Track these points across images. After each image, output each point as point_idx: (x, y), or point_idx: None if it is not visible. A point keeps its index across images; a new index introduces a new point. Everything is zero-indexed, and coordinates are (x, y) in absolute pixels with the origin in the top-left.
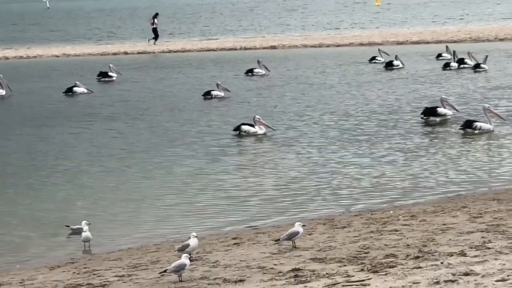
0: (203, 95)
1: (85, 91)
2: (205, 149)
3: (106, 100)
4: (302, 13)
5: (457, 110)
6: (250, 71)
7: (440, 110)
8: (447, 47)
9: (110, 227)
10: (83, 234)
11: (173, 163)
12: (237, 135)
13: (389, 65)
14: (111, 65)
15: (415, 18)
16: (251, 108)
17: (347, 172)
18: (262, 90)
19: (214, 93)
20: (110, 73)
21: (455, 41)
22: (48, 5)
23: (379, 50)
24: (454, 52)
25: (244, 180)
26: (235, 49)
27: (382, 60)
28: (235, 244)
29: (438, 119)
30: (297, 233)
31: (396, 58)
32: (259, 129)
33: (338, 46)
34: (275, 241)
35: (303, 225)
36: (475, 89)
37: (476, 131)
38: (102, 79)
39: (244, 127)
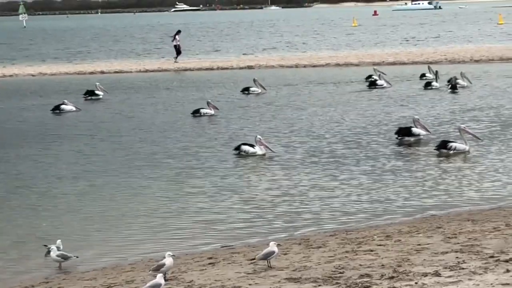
0: (192, 113)
1: (73, 109)
2: (184, 169)
3: (94, 118)
4: (279, 35)
5: (428, 131)
6: (246, 90)
7: (414, 130)
8: (429, 67)
9: (84, 246)
10: (60, 252)
11: (150, 182)
12: (237, 154)
13: (372, 84)
14: (97, 83)
15: (389, 39)
16: (231, 126)
17: (322, 192)
18: (252, 108)
19: (203, 111)
20: (96, 92)
21: (430, 62)
22: (25, 24)
23: (374, 69)
24: (436, 72)
25: (220, 200)
26: (212, 69)
27: (382, 82)
28: (210, 263)
29: (412, 139)
30: (272, 252)
31: (380, 77)
32: (258, 150)
33: (314, 66)
34: (251, 260)
35: (278, 245)
36: (452, 109)
37: (451, 152)
38: (89, 97)
39: (244, 147)
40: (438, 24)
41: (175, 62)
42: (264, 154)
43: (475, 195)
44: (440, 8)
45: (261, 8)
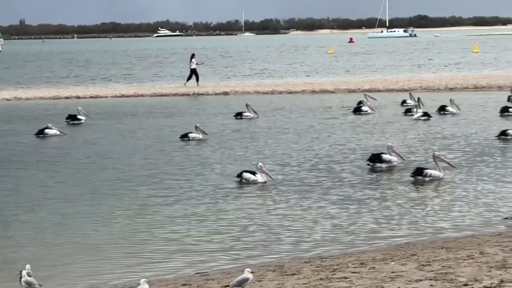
0: (180, 137)
1: (58, 133)
2: (157, 194)
3: (75, 143)
4: (255, 61)
5: (403, 159)
6: (239, 114)
7: (385, 156)
8: (410, 94)
9: (55, 273)
10: (26, 279)
11: (122, 207)
12: (239, 182)
13: (357, 111)
14: (79, 107)
15: (365, 67)
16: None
17: (297, 219)
18: (241, 133)
19: (191, 135)
20: (79, 116)
21: (405, 90)
22: (0, 49)
23: (365, 95)
24: (418, 99)
25: (193, 226)
26: (188, 94)
27: (367, 108)
28: None
29: (383, 165)
30: (246, 279)
31: (363, 103)
32: (259, 178)
33: (290, 93)
34: (225, 287)
35: (253, 272)
36: (427, 136)
37: (427, 179)
38: (71, 122)
39: (245, 175)
40: (414, 52)
41: (185, 84)
42: (265, 182)
43: (449, 223)
44: (415, 36)
45: (236, 34)
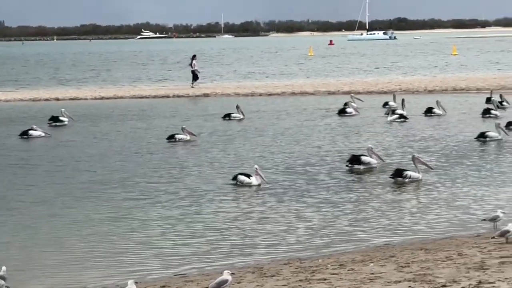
0: (167, 139)
1: (42, 134)
2: (134, 195)
3: (52, 145)
4: (234, 63)
5: (382, 160)
6: (227, 116)
7: (364, 158)
8: (394, 95)
9: (29, 276)
10: None
11: (99, 208)
12: (234, 184)
13: (342, 112)
14: (63, 109)
15: (345, 69)
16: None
17: (276, 221)
18: (228, 135)
19: (178, 136)
20: (61, 118)
21: (385, 92)
22: None
23: (351, 96)
24: (402, 100)
25: (172, 227)
26: (168, 96)
27: (351, 110)
28: None
29: (362, 167)
30: (225, 281)
31: (348, 104)
32: (254, 180)
33: (270, 95)
34: None
35: (232, 273)
36: (406, 138)
37: (406, 180)
38: (53, 123)
39: (240, 177)
40: (393, 54)
41: (192, 87)
42: (259, 185)
43: (428, 225)
44: (395, 38)
45: (215, 36)
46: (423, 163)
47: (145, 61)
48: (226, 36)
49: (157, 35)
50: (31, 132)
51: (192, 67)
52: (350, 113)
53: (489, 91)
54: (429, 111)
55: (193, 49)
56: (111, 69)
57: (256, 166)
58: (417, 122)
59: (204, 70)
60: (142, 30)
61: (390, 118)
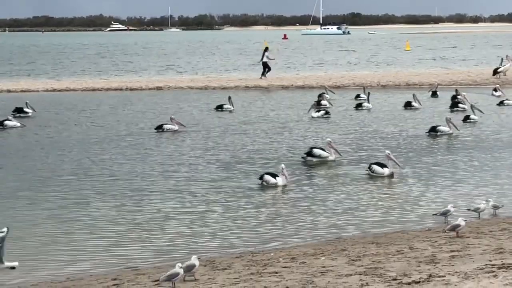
0: (155, 129)
1: (18, 124)
2: (88, 187)
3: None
4: (187, 56)
5: (340, 155)
6: (220, 107)
7: (315, 151)
8: (364, 88)
9: None
10: None
11: (51, 197)
12: (260, 184)
13: (317, 104)
14: (27, 101)
15: (299, 63)
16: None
17: (228, 213)
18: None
19: (166, 126)
20: (25, 109)
21: (338, 87)
22: None
23: (325, 87)
24: (368, 93)
25: (123, 219)
26: (121, 89)
27: (325, 102)
28: (114, 285)
29: (314, 159)
30: (177, 274)
31: (321, 96)
32: (280, 181)
33: (223, 88)
34: (155, 282)
35: (182, 267)
36: (370, 131)
37: (375, 174)
38: (17, 114)
39: (266, 177)
40: (347, 49)
41: (263, 78)
42: (285, 185)
43: (379, 218)
44: (348, 33)
45: (161, 29)
46: (394, 161)
47: (95, 54)
48: (173, 29)
49: (125, 28)
50: (6, 122)
51: (263, 59)
52: (325, 105)
53: (455, 89)
54: (408, 105)
55: (152, 41)
56: (62, 62)
57: (282, 165)
58: (362, 117)
59: (160, 63)
60: (112, 22)
61: (314, 114)
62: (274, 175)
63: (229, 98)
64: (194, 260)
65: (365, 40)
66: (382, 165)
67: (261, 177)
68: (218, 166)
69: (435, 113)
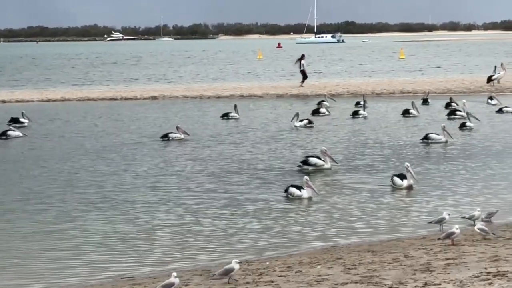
0: (161, 138)
1: (20, 134)
2: (85, 197)
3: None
4: (181, 65)
5: (336, 162)
6: (226, 115)
7: (311, 159)
8: (363, 96)
9: None
10: None
11: (42, 209)
12: (286, 197)
13: (315, 112)
14: (23, 111)
15: (293, 72)
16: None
17: (222, 223)
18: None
19: (172, 135)
20: (21, 119)
21: (333, 95)
22: None
23: (325, 95)
24: (365, 101)
25: (119, 229)
26: (116, 99)
27: (324, 110)
28: None
29: (310, 168)
30: (172, 284)
31: (320, 103)
32: (305, 193)
33: (218, 97)
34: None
35: (179, 276)
36: (354, 141)
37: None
38: (13, 125)
39: (291, 190)
40: (341, 57)
41: (301, 86)
42: (310, 198)
43: (375, 227)
44: (343, 41)
45: (154, 39)
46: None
47: (87, 64)
48: (165, 38)
49: (128, 37)
50: (9, 132)
51: (300, 67)
52: (323, 113)
53: (428, 92)
54: (406, 112)
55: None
56: (54, 72)
57: (306, 177)
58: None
59: (153, 72)
60: (112, 32)
61: (296, 123)
62: (299, 188)
63: (235, 106)
64: (233, 264)
65: (359, 49)
66: (402, 177)
67: (286, 190)
68: (212, 177)
69: (432, 121)
